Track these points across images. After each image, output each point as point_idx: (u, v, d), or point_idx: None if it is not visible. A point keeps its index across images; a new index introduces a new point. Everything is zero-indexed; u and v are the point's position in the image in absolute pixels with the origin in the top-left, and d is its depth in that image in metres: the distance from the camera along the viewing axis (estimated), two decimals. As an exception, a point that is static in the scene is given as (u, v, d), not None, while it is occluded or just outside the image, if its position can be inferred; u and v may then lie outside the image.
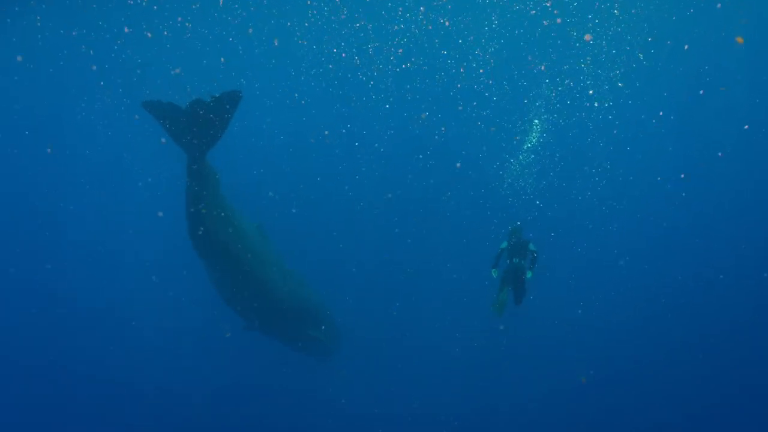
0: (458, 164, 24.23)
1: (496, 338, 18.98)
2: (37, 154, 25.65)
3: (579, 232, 23.98)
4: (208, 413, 17.54)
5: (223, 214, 11.07)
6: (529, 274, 11.22)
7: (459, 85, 25.35)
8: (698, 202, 23.60)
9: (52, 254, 23.80)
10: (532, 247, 11.40)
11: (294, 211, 21.51)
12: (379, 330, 19.00)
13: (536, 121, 24.93)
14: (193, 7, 22.63)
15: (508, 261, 11.52)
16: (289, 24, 24.37)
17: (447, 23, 24.50)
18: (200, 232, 10.86)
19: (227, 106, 10.09)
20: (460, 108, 25.28)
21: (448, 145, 25.26)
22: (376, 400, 17.15)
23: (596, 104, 23.78)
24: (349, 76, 25.47)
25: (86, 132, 26.03)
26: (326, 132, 25.53)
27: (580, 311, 21.01)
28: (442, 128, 25.03)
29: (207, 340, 18.87)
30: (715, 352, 19.33)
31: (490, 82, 26.01)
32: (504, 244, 11.51)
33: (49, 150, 25.58)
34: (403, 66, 25.29)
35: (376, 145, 25.54)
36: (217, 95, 9.96)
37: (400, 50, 24.84)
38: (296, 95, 26.38)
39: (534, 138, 22.70)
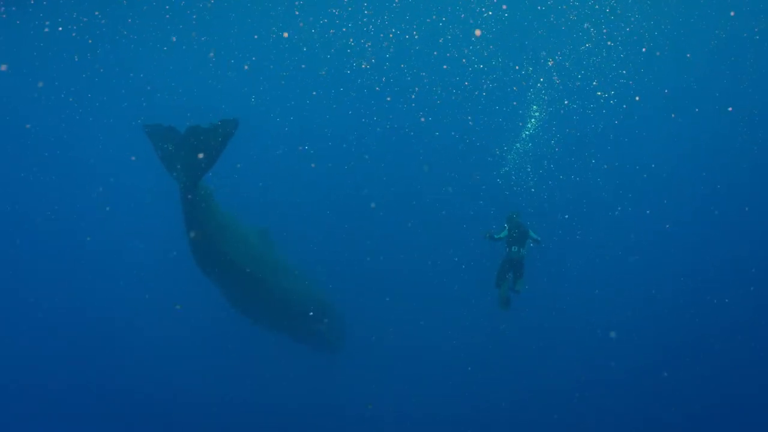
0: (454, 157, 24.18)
1: (495, 336, 18.94)
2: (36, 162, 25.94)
3: (578, 224, 23.78)
4: (208, 416, 17.75)
5: (222, 231, 11.11)
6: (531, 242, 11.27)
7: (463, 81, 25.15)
8: (701, 196, 23.44)
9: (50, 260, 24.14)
10: (533, 235, 11.32)
11: (296, 213, 21.57)
12: (378, 329, 19.03)
13: (534, 106, 24.68)
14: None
15: (506, 249, 11.42)
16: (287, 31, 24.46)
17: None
18: (203, 254, 11.02)
19: (223, 135, 9.89)
20: (482, 106, 24.95)
21: (444, 139, 25.23)
22: (376, 400, 17.16)
23: (599, 93, 23.54)
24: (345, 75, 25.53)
25: (84, 137, 26.23)
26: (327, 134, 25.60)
27: (580, 309, 20.87)
28: (421, 119, 24.88)
29: (207, 341, 19.07)
30: (716, 352, 19.15)
31: (481, 66, 25.89)
32: (504, 233, 11.34)
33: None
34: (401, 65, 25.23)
35: (371, 142, 25.63)
36: (216, 122, 9.82)
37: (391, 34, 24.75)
38: (296, 97, 26.53)
39: (532, 125, 22.49)
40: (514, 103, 24.62)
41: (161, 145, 10.23)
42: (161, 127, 10.15)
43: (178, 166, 10.21)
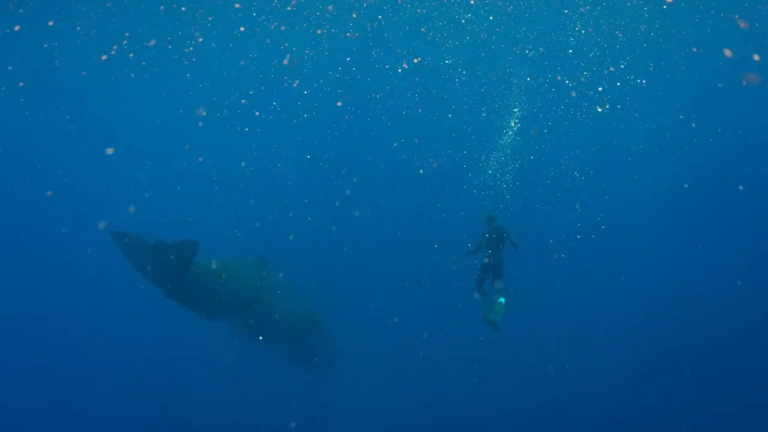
0: (435, 164, 24.45)
1: (484, 345, 18.83)
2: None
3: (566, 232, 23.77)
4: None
5: (209, 277, 11.86)
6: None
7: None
8: (690, 204, 23.08)
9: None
10: (512, 237, 11.24)
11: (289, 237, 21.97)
12: (369, 339, 18.99)
13: (516, 109, 24.97)
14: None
15: (485, 253, 11.43)
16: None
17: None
18: (203, 313, 12.05)
19: (186, 251, 10.64)
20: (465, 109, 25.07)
21: (431, 147, 25.64)
22: (369, 409, 17.58)
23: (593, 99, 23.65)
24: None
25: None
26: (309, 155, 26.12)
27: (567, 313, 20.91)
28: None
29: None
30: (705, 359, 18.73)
31: (464, 72, 26.30)
32: (482, 238, 11.41)
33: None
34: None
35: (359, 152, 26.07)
36: (178, 241, 10.55)
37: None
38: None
39: (514, 127, 22.78)
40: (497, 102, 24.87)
41: (130, 252, 10.93)
42: (129, 235, 10.80)
43: (152, 274, 10.95)
